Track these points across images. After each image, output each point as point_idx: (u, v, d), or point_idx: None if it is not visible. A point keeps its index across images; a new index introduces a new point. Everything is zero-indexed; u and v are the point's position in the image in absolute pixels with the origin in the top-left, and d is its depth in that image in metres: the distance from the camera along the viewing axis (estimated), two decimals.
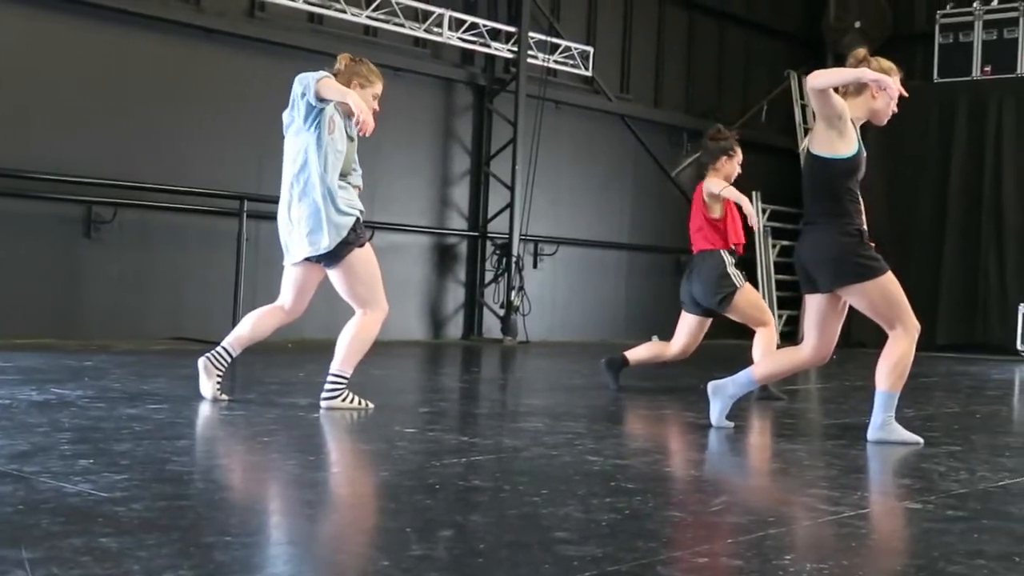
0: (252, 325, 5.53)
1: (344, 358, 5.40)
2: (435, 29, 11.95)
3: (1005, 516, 3.46)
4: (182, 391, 5.93)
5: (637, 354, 7.03)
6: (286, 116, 5.39)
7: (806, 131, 15.83)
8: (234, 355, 5.50)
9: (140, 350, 8.78)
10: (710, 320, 6.99)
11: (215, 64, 10.31)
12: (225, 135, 10.39)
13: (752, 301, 6.82)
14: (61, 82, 9.50)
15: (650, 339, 7.65)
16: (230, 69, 10.35)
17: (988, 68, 14.60)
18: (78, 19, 9.59)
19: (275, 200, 5.58)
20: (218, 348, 5.49)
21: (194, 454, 4.18)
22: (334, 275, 5.40)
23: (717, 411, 5.15)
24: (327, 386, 5.40)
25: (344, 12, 11.16)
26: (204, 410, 5.26)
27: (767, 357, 5.43)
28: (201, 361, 5.46)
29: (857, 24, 15.80)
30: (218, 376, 5.46)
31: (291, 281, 5.51)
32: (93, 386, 6.02)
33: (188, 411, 5.20)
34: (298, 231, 5.33)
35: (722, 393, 5.16)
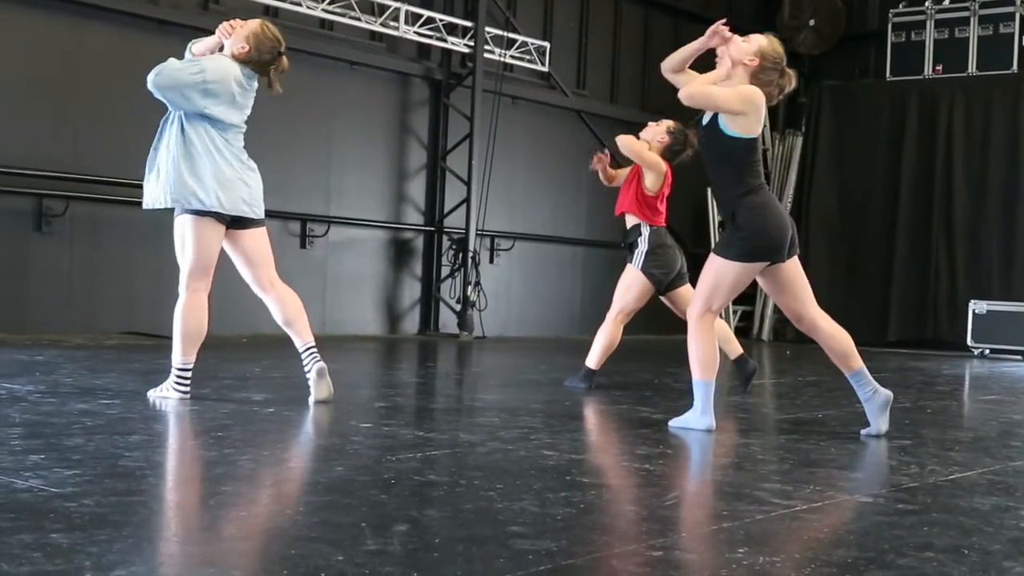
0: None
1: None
2: (391, 23, 11.91)
3: (954, 510, 3.51)
4: (134, 385, 5.88)
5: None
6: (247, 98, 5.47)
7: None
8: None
9: (92, 344, 8.70)
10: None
11: (169, 56, 10.17)
12: None
13: None
14: (12, 74, 9.37)
15: None
16: None
17: (939, 67, 14.76)
18: (30, 10, 9.47)
19: None
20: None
21: (146, 449, 4.15)
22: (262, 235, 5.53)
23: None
24: (319, 355, 5.46)
25: (300, 5, 11.09)
26: (157, 405, 5.22)
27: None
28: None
29: (811, 22, 15.93)
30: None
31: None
32: (44, 381, 5.96)
33: (140, 406, 5.16)
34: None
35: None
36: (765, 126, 15.92)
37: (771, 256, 5.01)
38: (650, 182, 6.81)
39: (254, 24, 5.54)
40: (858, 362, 5.15)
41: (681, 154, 6.96)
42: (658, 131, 6.97)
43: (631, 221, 6.92)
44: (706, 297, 5.07)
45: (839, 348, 5.18)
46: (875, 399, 5.13)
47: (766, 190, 5.09)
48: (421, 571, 2.51)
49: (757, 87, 5.04)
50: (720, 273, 5.05)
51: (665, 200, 6.94)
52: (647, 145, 6.88)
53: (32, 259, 9.51)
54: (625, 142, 6.80)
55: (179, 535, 2.86)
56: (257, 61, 5.47)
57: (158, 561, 2.57)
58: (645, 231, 6.83)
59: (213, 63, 5.38)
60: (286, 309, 5.50)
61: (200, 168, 5.28)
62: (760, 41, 5.15)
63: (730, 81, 5.08)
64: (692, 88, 4.95)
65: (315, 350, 5.47)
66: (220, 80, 5.32)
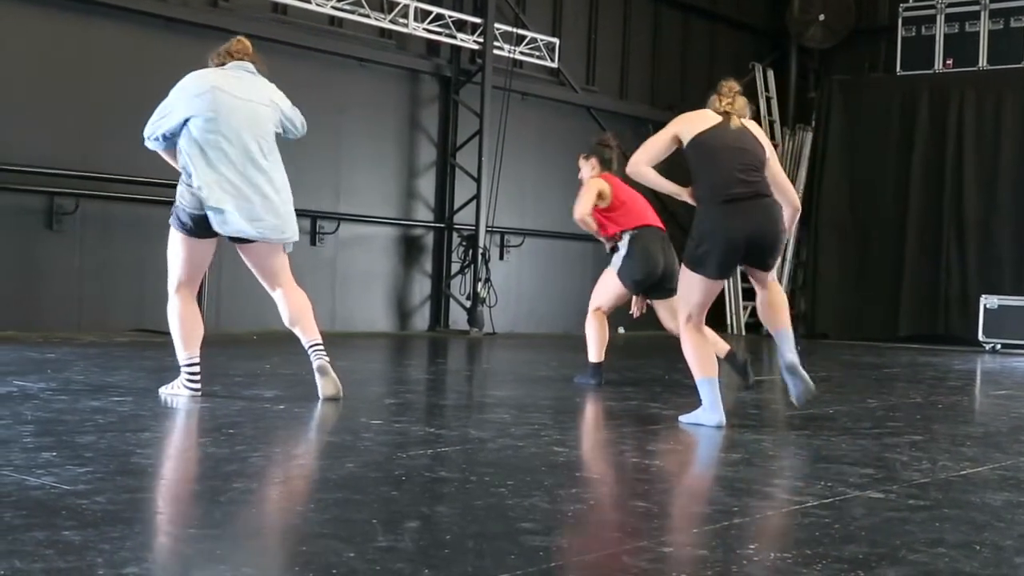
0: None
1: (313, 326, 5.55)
2: (400, 20, 11.91)
3: (966, 505, 3.50)
4: (145, 383, 5.89)
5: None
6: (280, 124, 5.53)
7: (771, 124, 15.93)
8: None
9: (103, 342, 8.72)
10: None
11: (178, 54, 10.21)
12: None
13: None
14: (22, 72, 9.39)
15: (617, 331, 7.67)
16: (193, 59, 10.19)
17: (950, 61, 14.72)
18: (38, 8, 9.48)
19: None
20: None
21: (158, 447, 4.16)
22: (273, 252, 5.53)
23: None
24: (322, 352, 5.46)
25: (309, 2, 11.09)
26: (168, 403, 5.23)
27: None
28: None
29: (821, 17, 15.89)
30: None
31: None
32: (56, 378, 5.98)
33: (152, 403, 5.17)
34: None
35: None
36: (775, 120, 15.99)
37: (702, 269, 5.07)
38: (600, 201, 6.98)
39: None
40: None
41: (611, 157, 7.15)
42: (586, 166, 7.16)
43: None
44: (683, 307, 5.21)
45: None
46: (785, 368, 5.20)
47: (712, 203, 5.07)
48: (432, 567, 2.51)
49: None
50: (686, 283, 5.18)
51: (630, 203, 6.99)
52: (589, 197, 6.97)
53: (43, 257, 9.53)
54: (580, 221, 6.99)
55: (190, 532, 2.87)
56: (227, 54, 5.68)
57: (170, 558, 2.58)
58: (624, 237, 6.92)
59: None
60: (290, 308, 5.52)
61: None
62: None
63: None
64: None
65: (320, 347, 5.47)
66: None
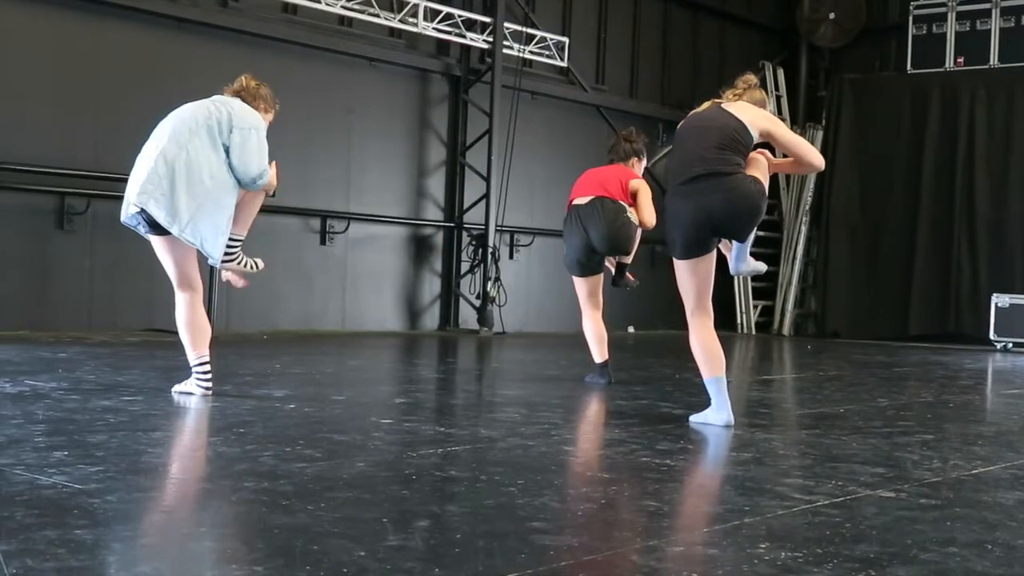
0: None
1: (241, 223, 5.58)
2: (410, 19, 11.92)
3: (977, 504, 3.49)
4: (156, 382, 5.91)
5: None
6: (208, 127, 5.48)
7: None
8: None
9: (114, 342, 8.74)
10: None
11: (188, 54, 10.25)
12: None
13: None
14: (33, 72, 9.42)
15: (627, 330, 7.66)
16: (203, 59, 10.27)
17: (961, 59, 14.68)
18: (50, 8, 9.51)
19: None
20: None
21: (169, 446, 4.17)
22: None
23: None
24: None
25: (319, 2, 11.11)
26: (179, 402, 5.25)
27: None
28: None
29: (831, 15, 15.86)
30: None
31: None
32: (67, 378, 5.99)
33: (163, 403, 5.18)
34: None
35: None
36: (785, 118, 15.95)
37: (672, 252, 5.09)
38: None
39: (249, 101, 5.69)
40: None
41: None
42: (638, 169, 7.17)
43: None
44: (684, 298, 5.18)
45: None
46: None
47: (673, 187, 5.10)
48: (442, 566, 2.51)
49: None
50: (676, 271, 5.15)
51: (576, 195, 7.03)
52: None
53: (54, 257, 9.56)
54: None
55: (201, 531, 2.88)
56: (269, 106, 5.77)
57: (180, 557, 2.58)
58: None
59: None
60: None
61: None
62: None
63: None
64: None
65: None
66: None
